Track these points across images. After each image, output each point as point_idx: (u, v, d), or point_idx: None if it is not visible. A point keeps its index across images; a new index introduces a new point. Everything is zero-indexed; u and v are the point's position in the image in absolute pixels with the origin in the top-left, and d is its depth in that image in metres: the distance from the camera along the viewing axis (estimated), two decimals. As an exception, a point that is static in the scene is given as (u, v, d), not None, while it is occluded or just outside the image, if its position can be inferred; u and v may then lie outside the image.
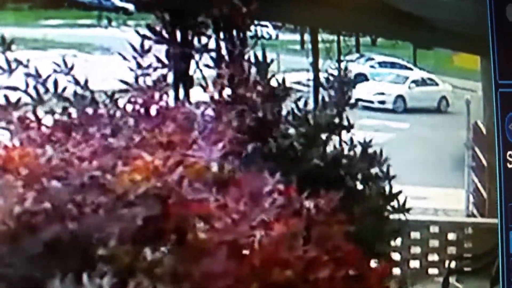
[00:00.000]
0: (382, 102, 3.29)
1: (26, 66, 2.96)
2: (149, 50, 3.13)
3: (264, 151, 3.28)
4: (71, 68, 2.96)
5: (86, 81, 2.96)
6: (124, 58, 3.07)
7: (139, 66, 3.09)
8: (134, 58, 3.09)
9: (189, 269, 2.66)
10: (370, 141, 3.54)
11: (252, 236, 2.76)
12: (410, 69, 5.63)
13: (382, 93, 3.29)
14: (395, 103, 3.56)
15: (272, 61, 3.31)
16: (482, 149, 5.16)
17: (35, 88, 2.96)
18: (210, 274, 2.69)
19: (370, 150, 3.54)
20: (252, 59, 3.32)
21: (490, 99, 3.04)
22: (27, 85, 2.96)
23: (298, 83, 3.56)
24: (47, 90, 2.97)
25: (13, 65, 2.95)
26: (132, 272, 2.60)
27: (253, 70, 3.32)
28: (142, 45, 3.11)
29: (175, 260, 2.64)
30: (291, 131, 3.41)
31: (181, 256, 2.67)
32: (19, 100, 2.95)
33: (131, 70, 3.06)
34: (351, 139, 3.51)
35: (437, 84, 5.24)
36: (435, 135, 5.07)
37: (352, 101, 3.53)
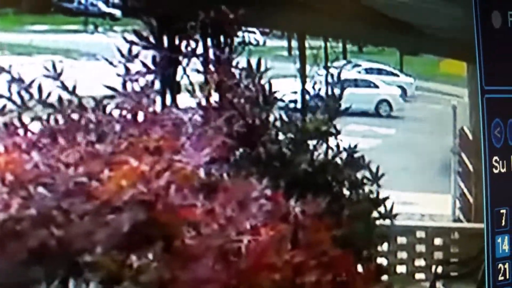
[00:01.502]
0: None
1: (9, 72, 2.94)
2: (136, 56, 3.12)
3: (253, 157, 3.28)
4: (60, 73, 2.94)
5: (74, 87, 2.95)
6: (111, 63, 3.06)
7: (126, 72, 3.09)
8: (121, 63, 3.09)
9: (176, 276, 2.65)
10: (355, 146, 3.55)
11: (239, 241, 2.76)
12: (397, 75, 5.65)
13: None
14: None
15: (266, 69, 3.31)
16: (468, 155, 5.20)
17: (19, 94, 2.95)
18: (197, 280, 2.68)
19: (356, 156, 3.55)
20: (244, 65, 3.32)
21: (476, 105, 3.06)
22: (11, 92, 2.94)
23: (286, 89, 3.56)
24: (31, 96, 2.95)
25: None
26: (118, 279, 2.58)
27: (242, 75, 3.33)
28: (129, 51, 3.10)
29: (161, 267, 2.63)
30: (280, 137, 3.41)
31: (168, 262, 2.66)
32: (4, 106, 2.93)
33: (119, 75, 3.05)
34: (337, 145, 3.52)
35: (376, 87, 5.18)
36: (422, 141, 5.10)
37: (342, 108, 3.54)
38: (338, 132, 3.55)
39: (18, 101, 2.98)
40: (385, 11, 4.06)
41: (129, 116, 2.96)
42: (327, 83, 3.63)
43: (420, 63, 5.49)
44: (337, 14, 3.76)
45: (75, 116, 2.89)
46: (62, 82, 2.94)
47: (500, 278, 3.06)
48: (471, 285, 4.04)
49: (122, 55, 3.07)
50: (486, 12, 3.01)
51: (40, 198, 2.63)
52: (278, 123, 3.45)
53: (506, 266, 3.01)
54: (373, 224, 3.51)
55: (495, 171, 3.02)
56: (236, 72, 3.34)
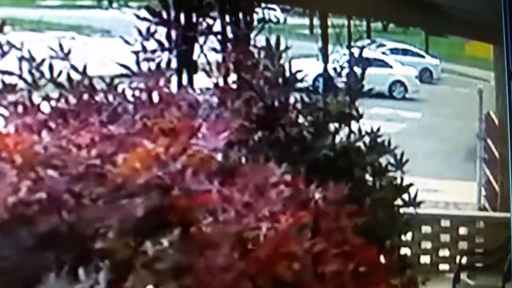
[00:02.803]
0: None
1: (20, 49, 2.83)
2: (153, 34, 2.99)
3: (272, 140, 3.16)
4: (68, 53, 2.82)
5: (85, 67, 2.82)
6: (126, 41, 2.93)
7: (142, 50, 2.96)
8: (136, 41, 2.96)
9: (192, 264, 2.55)
10: (378, 130, 3.41)
11: (258, 228, 2.66)
12: (422, 56, 5.46)
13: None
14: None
15: (287, 48, 3.16)
16: (494, 141, 5.05)
17: (30, 72, 2.83)
18: (214, 268, 2.59)
19: (379, 140, 3.42)
20: (263, 44, 3.18)
21: (503, 89, 2.96)
22: (21, 70, 2.83)
23: (307, 69, 3.41)
24: (42, 75, 2.84)
25: (6, 48, 2.81)
26: (131, 266, 2.48)
27: (261, 55, 3.19)
28: (147, 29, 2.97)
29: (177, 254, 2.53)
30: (300, 119, 3.29)
31: (184, 249, 2.56)
32: (15, 85, 2.82)
33: (134, 53, 2.93)
34: (359, 129, 3.39)
35: (390, 67, 4.97)
36: (447, 126, 4.93)
37: (365, 89, 3.41)
38: (361, 116, 3.42)
39: (29, 79, 2.87)
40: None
41: (143, 97, 2.84)
42: (350, 63, 3.49)
43: (446, 44, 5.31)
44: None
45: (86, 96, 2.78)
46: (70, 63, 2.82)
47: (527, 269, 2.96)
48: (497, 276, 3.92)
49: (139, 32, 2.94)
50: None
51: (51, 181, 2.52)
52: (298, 105, 3.33)
53: (534, 257, 2.89)
54: (397, 212, 3.39)
55: (522, 157, 2.91)
56: (255, 51, 3.21)
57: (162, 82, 2.90)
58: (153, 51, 2.97)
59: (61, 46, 2.80)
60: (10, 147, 2.59)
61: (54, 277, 2.40)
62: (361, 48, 3.64)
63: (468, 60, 5.21)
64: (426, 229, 4.36)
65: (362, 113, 3.41)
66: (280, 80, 3.26)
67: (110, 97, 2.83)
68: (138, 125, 2.73)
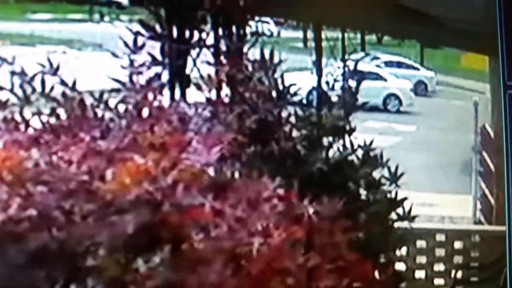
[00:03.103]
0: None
1: (11, 64, 2.81)
2: (143, 47, 2.97)
3: (265, 154, 3.14)
4: (57, 68, 2.80)
5: (74, 83, 2.80)
6: (116, 55, 2.91)
7: (132, 63, 2.94)
8: (128, 55, 2.94)
9: (184, 281, 2.52)
10: (371, 143, 3.40)
11: (250, 244, 2.63)
12: (417, 68, 5.45)
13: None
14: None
15: (280, 61, 3.15)
16: (490, 154, 5.03)
17: (21, 87, 2.81)
18: (206, 285, 2.55)
19: (373, 154, 3.40)
20: (257, 57, 3.17)
21: (498, 101, 2.95)
22: (13, 84, 2.81)
23: (301, 83, 3.40)
24: (34, 90, 2.81)
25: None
26: (122, 284, 2.45)
27: (255, 68, 3.17)
28: (135, 42, 2.95)
29: (169, 271, 2.50)
30: (294, 133, 3.27)
31: (176, 266, 2.53)
32: (7, 101, 2.80)
33: (124, 68, 2.91)
34: (351, 143, 3.38)
35: (384, 80, 4.96)
36: (442, 139, 4.92)
37: (359, 102, 3.39)
38: (353, 129, 3.40)
39: (20, 94, 2.85)
40: (404, 2, 3.91)
41: (134, 111, 2.82)
42: (344, 76, 3.48)
43: (441, 56, 5.31)
44: (355, 5, 3.61)
45: (77, 111, 2.75)
46: (60, 78, 2.80)
47: (523, 284, 2.94)
48: (492, 290, 3.89)
49: (128, 46, 2.92)
50: (510, 4, 2.90)
51: (41, 197, 2.49)
52: (292, 119, 3.31)
53: (530, 271, 2.88)
54: (391, 227, 3.37)
55: (518, 170, 2.90)
56: (249, 64, 3.19)
57: (153, 96, 2.87)
58: (145, 65, 2.95)
59: (49, 61, 2.78)
60: (-1, 163, 2.56)
61: (44, 295, 2.37)
62: (356, 62, 3.64)
63: (464, 72, 5.21)
64: (421, 243, 4.34)
65: (354, 127, 3.39)
66: (274, 93, 3.24)
67: (101, 112, 2.80)
68: (128, 140, 2.70)
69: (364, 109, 3.50)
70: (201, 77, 3.13)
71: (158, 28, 3.02)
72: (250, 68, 3.21)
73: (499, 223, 3.99)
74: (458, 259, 4.40)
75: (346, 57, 3.71)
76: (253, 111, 3.14)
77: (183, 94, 3.17)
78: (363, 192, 3.37)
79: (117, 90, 2.86)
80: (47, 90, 2.81)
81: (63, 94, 2.78)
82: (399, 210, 3.42)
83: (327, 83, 3.53)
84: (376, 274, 3.11)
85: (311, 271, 2.77)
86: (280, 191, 2.84)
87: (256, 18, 3.29)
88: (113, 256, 2.47)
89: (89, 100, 2.81)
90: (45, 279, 2.41)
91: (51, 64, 2.78)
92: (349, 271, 2.88)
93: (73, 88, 2.81)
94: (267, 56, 3.23)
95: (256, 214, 2.71)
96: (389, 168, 3.42)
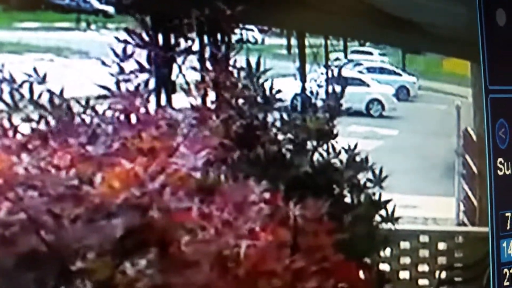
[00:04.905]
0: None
1: (0, 71, 2.85)
2: (131, 55, 3.03)
3: (251, 158, 3.19)
4: (44, 76, 2.85)
5: (62, 91, 2.85)
6: (103, 63, 2.97)
7: (120, 71, 2.99)
8: (115, 63, 2.99)
9: (172, 283, 2.56)
10: (355, 147, 3.46)
11: (237, 246, 2.68)
12: (399, 74, 5.54)
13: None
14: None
15: (266, 70, 3.22)
16: (473, 156, 5.11)
17: (11, 94, 2.85)
18: (194, 287, 2.60)
19: (357, 157, 3.47)
20: (243, 64, 3.23)
21: (480, 105, 3.02)
22: (2, 91, 2.85)
23: (285, 88, 3.47)
24: (22, 97, 2.86)
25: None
26: (111, 286, 2.49)
27: (241, 75, 3.24)
28: (123, 50, 3.01)
29: (156, 274, 2.54)
30: (280, 137, 3.32)
31: (163, 269, 2.57)
32: None
33: (112, 75, 2.96)
34: (333, 146, 3.44)
35: (367, 85, 5.02)
36: (425, 142, 4.99)
37: (343, 107, 3.46)
38: (336, 134, 3.46)
39: (9, 101, 2.89)
40: (387, 9, 3.98)
41: (122, 117, 2.87)
42: (327, 82, 3.55)
43: (423, 62, 5.39)
44: (338, 12, 3.68)
45: (65, 118, 2.80)
46: (47, 85, 2.85)
47: (506, 283, 3.01)
48: (476, 290, 3.94)
49: (116, 54, 2.97)
50: (491, 9, 2.96)
51: (30, 201, 2.53)
52: (277, 123, 3.36)
53: (512, 271, 2.94)
54: (376, 228, 3.42)
55: (500, 173, 2.97)
56: (235, 71, 3.25)
57: (140, 102, 2.93)
58: (132, 72, 3.01)
59: (35, 70, 2.83)
60: (-12, 169, 2.60)
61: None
62: (339, 68, 3.71)
63: (446, 76, 5.28)
64: (405, 244, 4.38)
65: (337, 132, 3.45)
66: (259, 99, 3.30)
67: (89, 119, 2.85)
68: (117, 145, 2.75)
69: (347, 113, 3.56)
70: (187, 83, 3.19)
71: (144, 35, 3.07)
72: (236, 75, 3.26)
73: (482, 224, 4.06)
74: (442, 259, 4.45)
75: (329, 63, 3.77)
76: (239, 116, 3.20)
77: (169, 100, 3.22)
78: (347, 195, 3.42)
79: (104, 97, 2.91)
80: (35, 97, 2.86)
81: (51, 101, 2.83)
82: (383, 212, 3.48)
83: (311, 88, 3.60)
84: (361, 274, 3.16)
85: (297, 272, 2.81)
86: (266, 194, 2.89)
87: (241, 26, 3.35)
88: (101, 259, 2.51)
89: (76, 107, 2.86)
90: (34, 282, 2.45)
91: (37, 72, 2.83)
92: (334, 272, 2.93)
93: (60, 95, 2.86)
94: (252, 63, 3.29)
95: (242, 217, 2.77)
96: (373, 171, 3.48)
